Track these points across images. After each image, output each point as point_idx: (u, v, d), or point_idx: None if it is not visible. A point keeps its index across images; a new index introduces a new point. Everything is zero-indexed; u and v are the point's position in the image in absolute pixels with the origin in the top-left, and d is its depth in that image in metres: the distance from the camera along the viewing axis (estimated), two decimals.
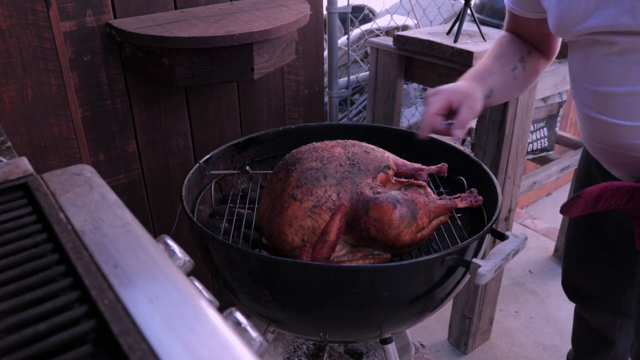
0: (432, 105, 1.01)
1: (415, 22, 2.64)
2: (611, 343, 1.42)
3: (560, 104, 2.12)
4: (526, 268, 2.34)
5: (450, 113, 1.02)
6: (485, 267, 0.93)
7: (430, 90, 1.05)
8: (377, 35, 2.59)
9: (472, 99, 1.02)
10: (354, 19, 2.16)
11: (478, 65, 1.15)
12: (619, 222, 1.18)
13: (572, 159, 2.11)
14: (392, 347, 1.18)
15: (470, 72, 1.12)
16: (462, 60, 1.51)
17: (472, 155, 1.32)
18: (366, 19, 3.34)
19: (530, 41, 1.16)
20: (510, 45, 1.15)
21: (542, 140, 2.28)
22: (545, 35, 1.12)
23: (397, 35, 1.68)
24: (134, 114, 1.44)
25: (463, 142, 2.52)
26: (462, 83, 1.07)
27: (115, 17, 1.32)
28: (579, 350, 1.55)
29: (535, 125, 2.24)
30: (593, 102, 0.99)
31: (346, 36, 2.07)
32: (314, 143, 1.16)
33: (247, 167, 1.38)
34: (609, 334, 1.41)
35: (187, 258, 0.57)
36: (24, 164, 0.57)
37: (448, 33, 1.66)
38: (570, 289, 1.45)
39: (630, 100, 0.92)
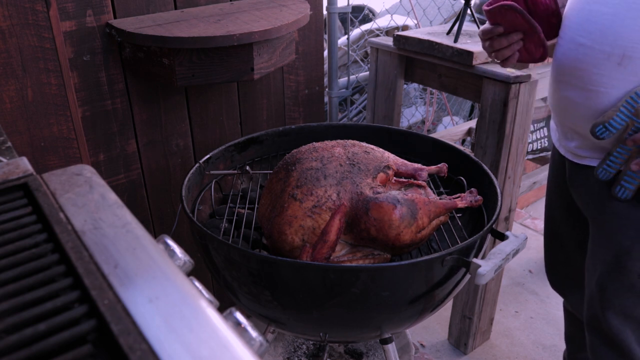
0: None
1: (415, 22, 2.64)
2: None
3: None
4: (526, 268, 2.34)
5: None
6: (485, 267, 0.93)
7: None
8: (377, 35, 2.60)
9: None
10: (354, 19, 2.16)
11: None
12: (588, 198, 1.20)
13: None
14: (392, 347, 1.18)
15: None
16: (462, 60, 1.51)
17: (472, 155, 1.32)
18: (366, 19, 3.34)
19: None
20: None
21: (542, 140, 2.29)
22: None
23: (397, 35, 1.68)
24: (134, 114, 1.44)
25: (463, 142, 2.52)
26: None
27: (115, 17, 1.32)
28: (571, 346, 1.55)
29: (535, 125, 2.24)
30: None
31: (346, 36, 2.07)
32: (314, 143, 1.16)
33: (247, 167, 1.38)
34: None
35: (187, 258, 0.57)
36: (24, 164, 0.57)
37: (448, 33, 1.66)
38: (552, 276, 1.47)
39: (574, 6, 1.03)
